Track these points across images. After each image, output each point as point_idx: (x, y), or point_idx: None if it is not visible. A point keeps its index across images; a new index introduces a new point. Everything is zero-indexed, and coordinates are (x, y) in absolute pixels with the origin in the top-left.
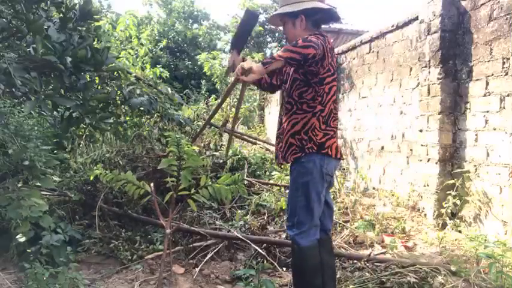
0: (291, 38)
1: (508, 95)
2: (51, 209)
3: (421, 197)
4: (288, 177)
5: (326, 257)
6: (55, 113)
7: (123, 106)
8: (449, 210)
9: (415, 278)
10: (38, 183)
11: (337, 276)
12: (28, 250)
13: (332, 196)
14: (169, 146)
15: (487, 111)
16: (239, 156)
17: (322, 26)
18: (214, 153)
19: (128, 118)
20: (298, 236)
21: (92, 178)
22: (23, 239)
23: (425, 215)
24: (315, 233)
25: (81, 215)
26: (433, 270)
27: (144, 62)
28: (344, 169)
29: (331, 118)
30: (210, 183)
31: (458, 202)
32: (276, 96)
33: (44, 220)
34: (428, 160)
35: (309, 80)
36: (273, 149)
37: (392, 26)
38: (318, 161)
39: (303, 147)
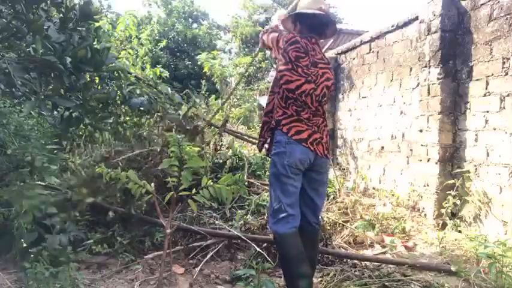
0: None
1: (508, 95)
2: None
3: (421, 197)
4: None
5: (307, 249)
6: (55, 113)
7: (123, 106)
8: (449, 210)
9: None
10: (39, 182)
11: (339, 277)
12: (29, 250)
13: (332, 196)
14: (170, 146)
15: (487, 111)
16: (239, 156)
17: None
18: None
19: (127, 118)
20: (276, 224)
21: (96, 173)
22: (23, 245)
23: (425, 215)
24: (293, 222)
25: (82, 215)
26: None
27: (144, 62)
28: (344, 169)
29: (290, 103)
30: (212, 183)
31: (458, 202)
32: None
33: (48, 210)
34: (428, 160)
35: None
36: None
37: (393, 26)
38: (281, 153)
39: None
